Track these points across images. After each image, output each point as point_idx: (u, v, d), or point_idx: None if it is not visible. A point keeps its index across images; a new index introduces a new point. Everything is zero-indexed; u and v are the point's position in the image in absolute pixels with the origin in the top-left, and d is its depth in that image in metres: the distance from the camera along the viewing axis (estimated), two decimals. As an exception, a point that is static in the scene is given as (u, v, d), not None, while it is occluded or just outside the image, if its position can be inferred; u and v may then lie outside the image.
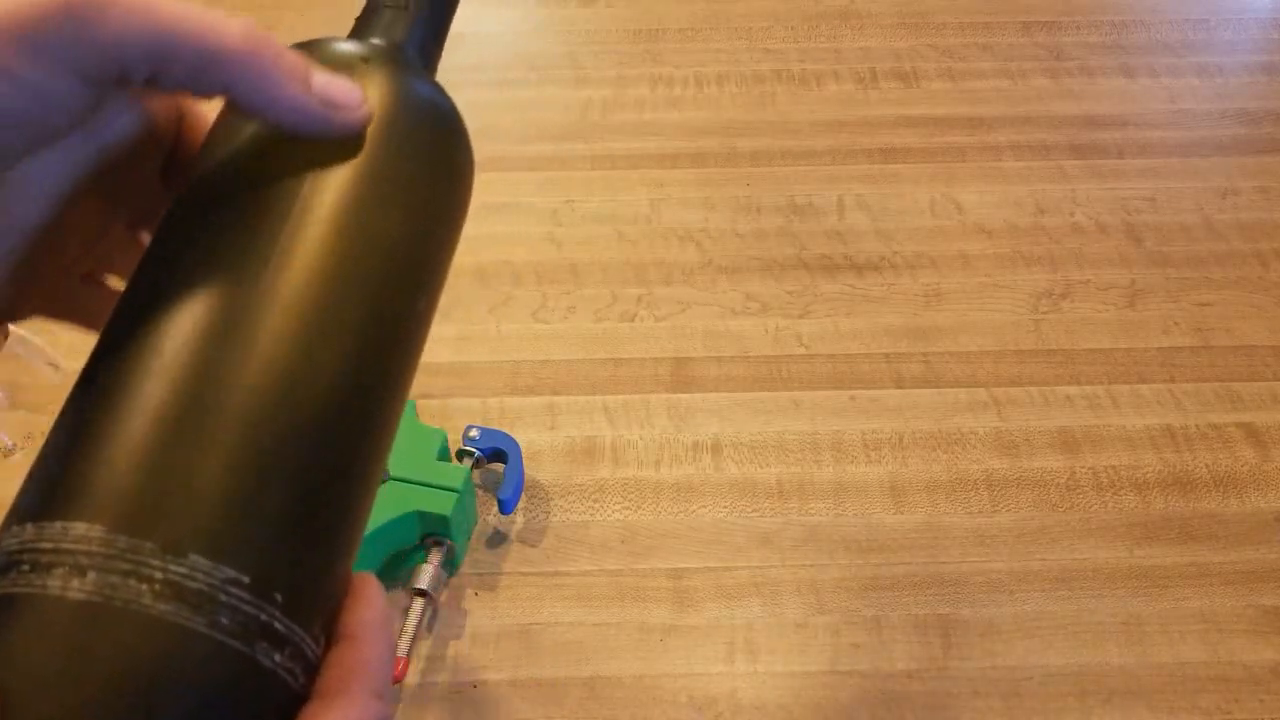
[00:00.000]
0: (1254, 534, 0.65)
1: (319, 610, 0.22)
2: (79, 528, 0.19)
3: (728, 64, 0.97)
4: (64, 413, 0.22)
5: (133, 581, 0.19)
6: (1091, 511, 0.66)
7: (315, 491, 0.21)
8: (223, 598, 0.20)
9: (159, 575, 0.19)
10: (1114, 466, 0.68)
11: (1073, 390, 0.72)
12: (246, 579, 0.20)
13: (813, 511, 0.66)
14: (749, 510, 0.66)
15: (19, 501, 0.21)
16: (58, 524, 0.20)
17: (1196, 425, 0.70)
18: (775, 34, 1.00)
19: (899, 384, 0.72)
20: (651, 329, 0.75)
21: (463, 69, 0.95)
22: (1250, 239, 0.82)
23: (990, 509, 0.66)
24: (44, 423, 0.58)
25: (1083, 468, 0.68)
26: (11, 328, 0.55)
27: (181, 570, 0.19)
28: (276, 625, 0.20)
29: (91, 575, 0.19)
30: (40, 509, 0.20)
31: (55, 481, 0.20)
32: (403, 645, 0.57)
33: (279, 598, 0.20)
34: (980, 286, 0.79)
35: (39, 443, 0.62)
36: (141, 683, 0.18)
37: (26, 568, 0.19)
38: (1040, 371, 0.73)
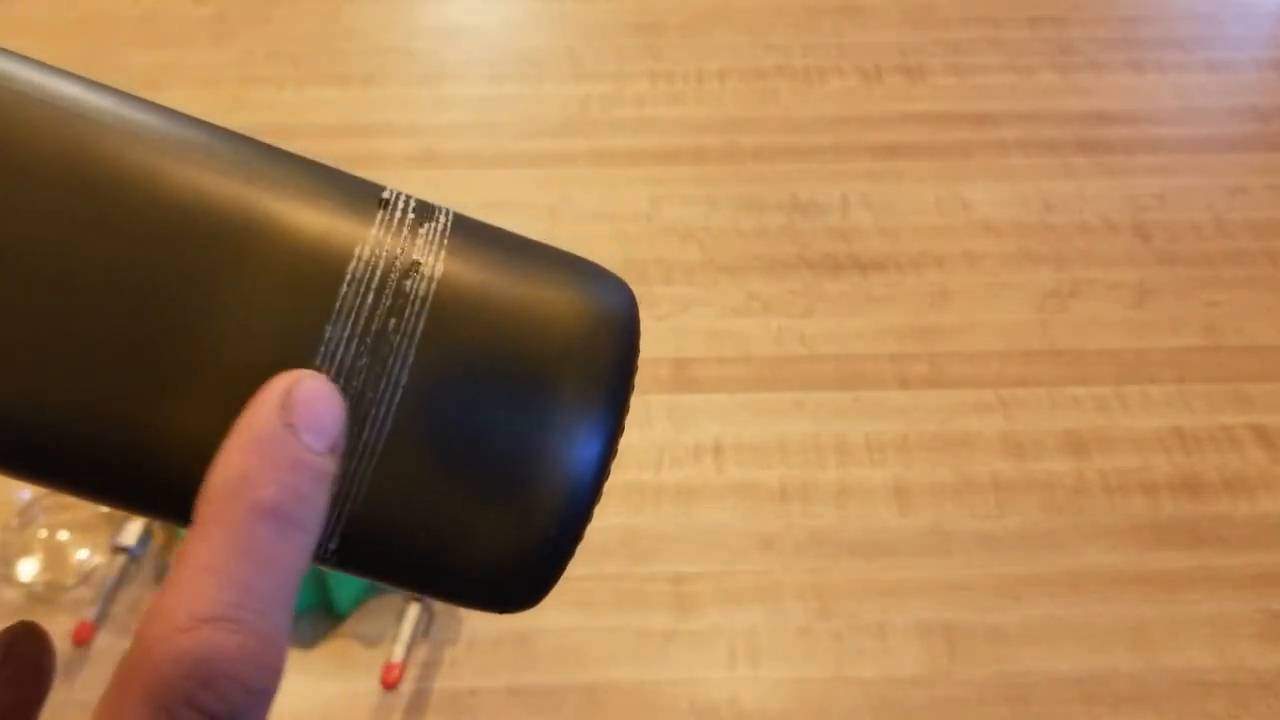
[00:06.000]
0: (1264, 537, 0.64)
1: None
2: None
3: (729, 59, 0.96)
4: None
5: None
6: (1099, 515, 0.65)
7: None
8: None
9: None
10: (1122, 469, 0.67)
11: (1080, 391, 0.71)
12: None
13: (816, 514, 0.65)
14: (751, 513, 0.65)
15: None
16: None
17: (1206, 427, 0.69)
18: (778, 29, 0.99)
19: (904, 385, 0.71)
20: (651, 328, 0.74)
21: (460, 64, 0.94)
22: (1261, 237, 0.81)
23: (997, 512, 0.65)
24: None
25: (1091, 470, 0.67)
26: None
27: None
28: None
29: None
30: None
31: None
32: (398, 651, 0.56)
33: None
34: (986, 286, 0.78)
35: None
36: None
37: None
38: (1047, 372, 0.72)
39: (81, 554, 0.61)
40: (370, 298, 0.19)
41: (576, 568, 0.70)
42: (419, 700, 0.57)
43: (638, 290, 0.81)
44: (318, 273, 0.19)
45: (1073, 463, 0.67)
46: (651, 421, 0.69)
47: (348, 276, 0.19)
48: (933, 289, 0.77)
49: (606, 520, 0.64)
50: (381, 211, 0.20)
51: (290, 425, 0.17)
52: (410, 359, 0.19)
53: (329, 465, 0.18)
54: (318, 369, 0.18)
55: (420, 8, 1.01)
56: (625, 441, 0.75)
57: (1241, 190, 0.84)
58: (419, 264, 0.19)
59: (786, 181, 0.85)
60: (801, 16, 1.00)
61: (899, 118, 0.90)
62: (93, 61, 0.93)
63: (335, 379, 0.19)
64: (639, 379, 0.72)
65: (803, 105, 0.91)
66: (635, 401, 0.77)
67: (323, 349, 0.19)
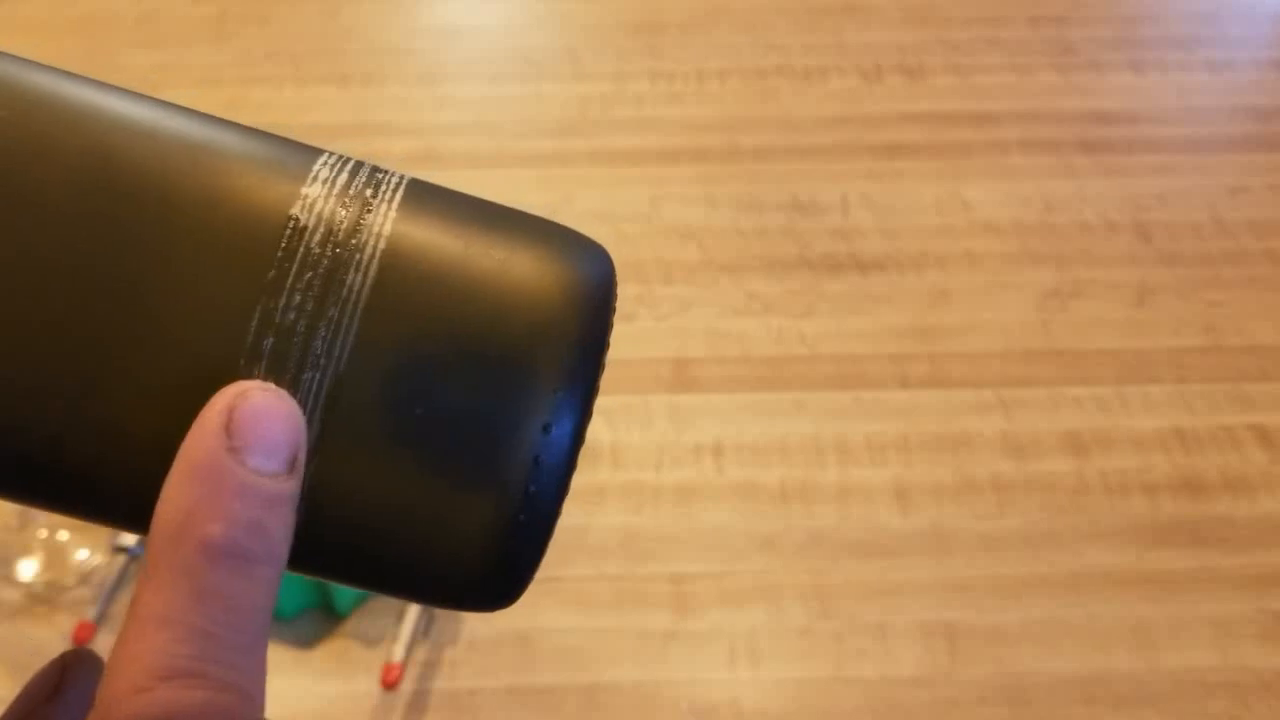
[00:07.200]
0: (1265, 537, 0.64)
1: None
2: None
3: (729, 59, 0.96)
4: None
5: None
6: (1100, 515, 0.65)
7: None
8: None
9: None
10: (1123, 469, 0.67)
11: (1081, 391, 0.71)
12: None
13: (816, 515, 0.65)
14: (751, 513, 0.65)
15: None
16: None
17: (1206, 427, 0.69)
18: (778, 28, 0.99)
19: (904, 385, 0.71)
20: (651, 329, 0.74)
21: (460, 63, 0.94)
22: (1261, 237, 0.81)
23: (997, 512, 0.65)
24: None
25: (1091, 470, 0.67)
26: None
27: None
28: None
29: None
30: None
31: None
32: (398, 651, 0.56)
33: None
34: (987, 285, 0.78)
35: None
36: None
37: None
38: (1048, 372, 0.72)
39: (81, 554, 0.61)
40: (308, 268, 0.17)
41: (576, 567, 0.69)
42: (419, 700, 0.57)
43: (638, 290, 0.81)
44: (249, 244, 0.17)
45: (1073, 463, 0.67)
46: (651, 421, 0.68)
47: (282, 245, 0.17)
48: (933, 289, 0.77)
49: (606, 520, 0.64)
50: (320, 175, 0.18)
51: (234, 449, 0.15)
52: (354, 334, 0.17)
53: (285, 486, 0.16)
54: (250, 353, 0.17)
55: (420, 8, 1.01)
56: (625, 441, 0.75)
57: (1241, 190, 0.84)
58: (363, 228, 0.18)
59: (786, 181, 0.85)
60: (802, 16, 1.00)
61: (899, 118, 0.90)
62: (93, 61, 0.93)
63: (272, 362, 0.17)
64: (639, 380, 0.72)
65: (803, 105, 0.91)
66: (635, 402, 0.77)
67: (253, 330, 0.17)
